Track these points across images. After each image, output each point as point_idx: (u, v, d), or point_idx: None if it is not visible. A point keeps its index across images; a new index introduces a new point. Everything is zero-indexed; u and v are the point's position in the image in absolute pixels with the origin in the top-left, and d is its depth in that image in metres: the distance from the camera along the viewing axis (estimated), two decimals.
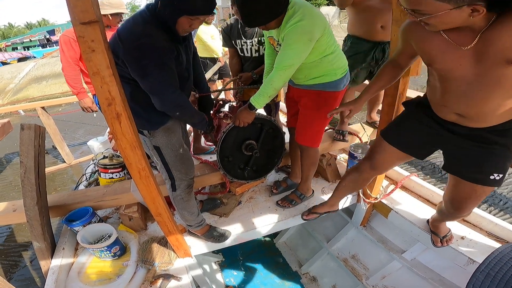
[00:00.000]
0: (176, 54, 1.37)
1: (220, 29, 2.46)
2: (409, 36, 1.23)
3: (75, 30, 1.01)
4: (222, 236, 2.06)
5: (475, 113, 1.16)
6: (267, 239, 3.32)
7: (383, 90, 1.81)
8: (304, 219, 2.15)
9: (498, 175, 1.26)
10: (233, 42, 2.37)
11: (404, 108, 1.57)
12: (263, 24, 1.54)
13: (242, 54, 2.43)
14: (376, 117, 2.84)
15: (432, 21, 0.98)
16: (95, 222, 2.01)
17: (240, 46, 2.37)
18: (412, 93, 2.99)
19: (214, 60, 4.23)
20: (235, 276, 2.94)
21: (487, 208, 3.33)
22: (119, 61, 1.28)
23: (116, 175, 2.33)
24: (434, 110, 1.33)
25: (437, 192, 2.18)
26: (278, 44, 1.65)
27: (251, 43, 2.32)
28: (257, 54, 2.39)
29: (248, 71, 2.45)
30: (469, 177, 1.33)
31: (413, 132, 1.47)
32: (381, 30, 2.19)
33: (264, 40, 2.32)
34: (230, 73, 2.75)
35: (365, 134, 2.66)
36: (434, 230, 1.87)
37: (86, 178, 2.68)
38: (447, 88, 1.18)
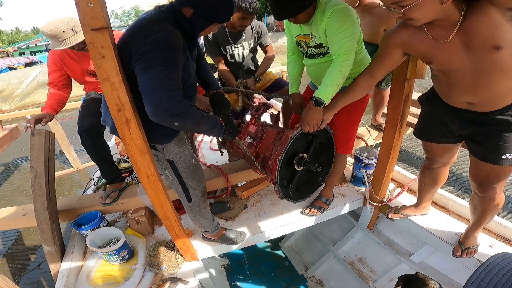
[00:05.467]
0: (185, 61, 1.31)
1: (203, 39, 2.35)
2: (399, 43, 1.30)
3: (85, 36, 1.04)
4: (238, 237, 2.06)
5: (482, 99, 1.23)
6: (273, 242, 3.31)
7: (389, 93, 1.82)
8: (389, 218, 2.16)
9: (510, 155, 1.31)
10: (221, 49, 2.31)
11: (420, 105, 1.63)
12: (293, 15, 1.52)
13: (233, 60, 2.38)
14: (381, 120, 2.84)
15: (415, 14, 1.05)
16: (103, 226, 2.03)
17: (231, 52, 2.33)
18: (417, 96, 2.99)
19: (214, 68, 4.23)
20: (241, 279, 2.94)
21: None
22: (130, 70, 1.20)
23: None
24: (444, 101, 1.39)
25: (444, 195, 2.17)
26: (312, 37, 1.63)
27: (242, 47, 2.32)
28: (248, 58, 2.39)
29: (238, 76, 2.41)
30: (484, 157, 1.39)
31: (435, 126, 1.54)
32: (383, 34, 2.23)
33: (252, 43, 2.32)
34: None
35: (371, 137, 2.66)
36: (462, 240, 1.80)
37: (94, 183, 2.71)
38: (452, 80, 1.25)
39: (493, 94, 1.19)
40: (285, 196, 1.82)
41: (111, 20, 1.16)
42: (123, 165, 2.36)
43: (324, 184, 2.22)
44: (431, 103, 1.50)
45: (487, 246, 1.81)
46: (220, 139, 2.11)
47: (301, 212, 2.26)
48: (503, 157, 1.32)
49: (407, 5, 1.02)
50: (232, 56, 2.35)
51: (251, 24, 2.26)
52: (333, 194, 2.36)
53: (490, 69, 1.10)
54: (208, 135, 1.44)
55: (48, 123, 2.00)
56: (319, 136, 1.79)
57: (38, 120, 1.94)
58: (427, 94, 1.54)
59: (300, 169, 1.77)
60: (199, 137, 3.72)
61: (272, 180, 1.73)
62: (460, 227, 1.95)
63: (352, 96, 1.57)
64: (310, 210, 2.24)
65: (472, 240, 1.77)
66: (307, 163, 1.73)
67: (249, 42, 2.32)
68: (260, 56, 2.49)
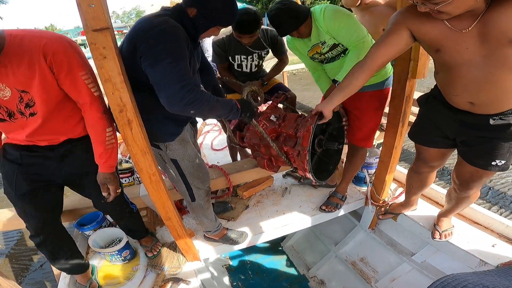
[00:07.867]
0: (189, 55, 1.28)
1: (212, 43, 2.25)
2: (409, 22, 1.19)
3: (86, 37, 1.04)
4: (240, 237, 2.06)
5: (485, 99, 1.18)
6: (274, 242, 3.31)
7: (390, 93, 1.81)
8: (380, 219, 2.24)
9: (500, 162, 1.31)
10: (229, 57, 2.25)
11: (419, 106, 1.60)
12: (294, 30, 1.66)
13: (240, 70, 2.32)
14: (382, 120, 2.82)
15: (448, 8, 0.99)
16: (105, 226, 2.03)
17: (239, 62, 2.26)
18: (419, 96, 2.98)
19: None
20: (242, 279, 2.94)
21: (497, 210, 3.29)
22: (134, 65, 1.22)
23: (125, 180, 2.35)
24: (446, 100, 1.35)
25: (438, 190, 2.17)
26: (323, 43, 1.71)
27: (251, 59, 2.25)
28: (255, 70, 2.34)
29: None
30: (473, 161, 1.40)
31: (430, 129, 1.52)
32: (382, 33, 2.23)
33: (264, 54, 2.29)
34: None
35: None
36: (437, 223, 1.93)
37: None
38: (457, 75, 1.18)
39: (498, 93, 1.14)
40: (312, 170, 1.72)
41: (112, 21, 1.16)
42: (124, 165, 2.36)
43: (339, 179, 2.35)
44: (430, 105, 1.47)
45: (489, 246, 1.81)
46: (229, 133, 2.05)
47: (319, 209, 2.27)
48: (493, 163, 1.32)
49: (441, 2, 0.97)
50: (240, 66, 2.30)
51: (265, 34, 2.20)
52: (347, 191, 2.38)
53: (500, 64, 1.06)
54: (226, 118, 1.43)
55: None
56: (333, 123, 1.80)
57: None
58: (427, 95, 1.51)
59: (320, 150, 1.76)
60: (200, 138, 3.72)
61: (301, 151, 1.63)
62: (464, 227, 1.95)
63: (354, 87, 1.37)
64: (327, 207, 2.26)
65: (447, 223, 1.91)
66: (327, 143, 1.74)
67: (260, 53, 2.25)
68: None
